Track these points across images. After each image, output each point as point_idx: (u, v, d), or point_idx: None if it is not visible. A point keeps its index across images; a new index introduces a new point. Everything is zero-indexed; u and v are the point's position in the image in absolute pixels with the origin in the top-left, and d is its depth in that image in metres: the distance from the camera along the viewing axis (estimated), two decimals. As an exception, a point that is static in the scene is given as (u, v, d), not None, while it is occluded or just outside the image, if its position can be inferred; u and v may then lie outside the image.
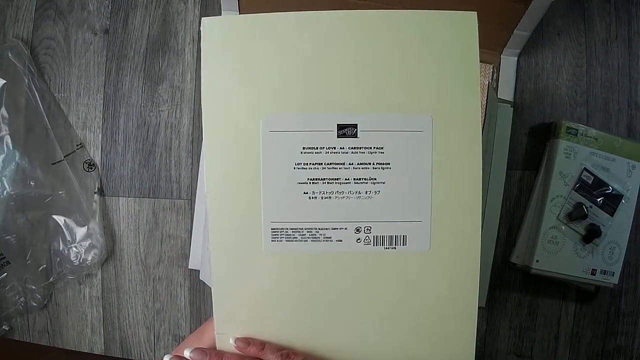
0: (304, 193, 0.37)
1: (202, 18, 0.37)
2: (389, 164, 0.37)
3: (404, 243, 0.38)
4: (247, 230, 0.37)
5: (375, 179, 0.37)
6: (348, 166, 0.37)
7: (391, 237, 0.38)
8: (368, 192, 0.37)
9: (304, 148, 0.37)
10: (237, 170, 0.37)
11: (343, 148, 0.37)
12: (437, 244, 0.38)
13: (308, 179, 0.37)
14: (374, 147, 0.37)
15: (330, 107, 0.37)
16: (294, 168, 0.37)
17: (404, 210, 0.38)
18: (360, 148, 0.37)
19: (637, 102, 0.69)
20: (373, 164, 0.37)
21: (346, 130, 0.37)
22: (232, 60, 0.37)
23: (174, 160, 0.69)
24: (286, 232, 0.37)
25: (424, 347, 0.38)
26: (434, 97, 0.37)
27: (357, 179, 0.37)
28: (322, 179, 0.37)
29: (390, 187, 0.37)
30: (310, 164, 0.37)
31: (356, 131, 0.37)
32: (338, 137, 0.37)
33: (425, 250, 0.38)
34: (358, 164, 0.37)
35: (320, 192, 0.37)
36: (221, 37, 0.37)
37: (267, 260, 0.37)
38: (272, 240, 0.37)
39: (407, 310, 0.38)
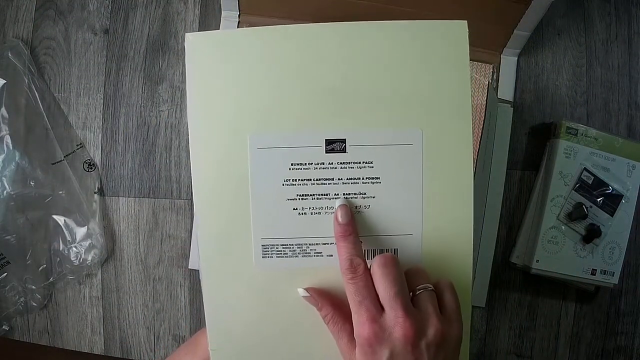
0: (294, 209, 0.37)
1: (186, 34, 0.36)
2: (378, 178, 0.37)
3: (396, 254, 0.38)
4: (237, 247, 0.37)
5: (365, 193, 0.37)
6: (337, 181, 0.37)
7: (382, 250, 0.38)
8: (358, 207, 0.37)
9: (292, 164, 0.37)
10: (225, 188, 0.37)
11: (332, 163, 0.37)
12: (429, 257, 0.38)
13: (297, 195, 0.37)
14: (364, 162, 0.37)
15: (318, 122, 0.36)
16: (283, 184, 0.37)
17: (395, 224, 0.37)
18: (349, 163, 0.37)
19: (637, 102, 0.69)
20: (363, 178, 0.37)
21: (335, 145, 0.37)
22: (217, 76, 0.36)
23: (174, 160, 0.69)
24: (277, 248, 0.37)
25: None
26: (423, 109, 0.36)
27: (346, 194, 0.37)
28: (311, 195, 0.37)
29: (381, 201, 0.37)
30: (299, 180, 0.37)
31: (345, 146, 0.37)
32: (326, 152, 0.37)
33: (417, 263, 0.37)
34: (347, 179, 0.37)
35: (309, 208, 0.37)
36: (206, 53, 0.36)
37: (258, 276, 0.37)
38: (262, 257, 0.37)
39: None
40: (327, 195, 0.37)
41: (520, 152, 0.69)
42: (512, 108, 0.68)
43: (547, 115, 0.69)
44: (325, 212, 0.37)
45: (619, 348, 0.69)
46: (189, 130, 0.36)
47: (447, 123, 0.37)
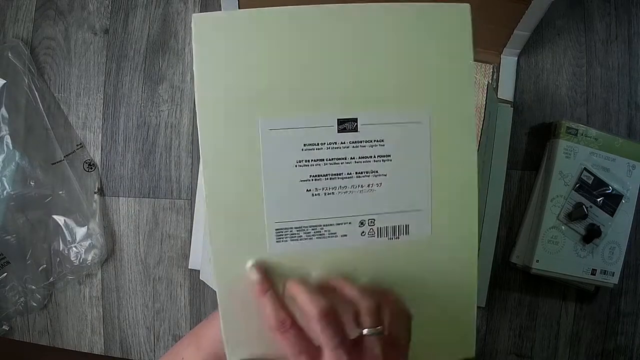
0: (307, 190, 0.37)
1: (193, 15, 0.35)
2: (389, 156, 0.37)
3: (407, 232, 0.38)
4: (250, 233, 0.37)
5: (376, 171, 0.37)
6: (350, 161, 0.37)
7: (394, 227, 0.38)
8: (370, 185, 0.37)
9: (304, 145, 0.36)
10: (237, 172, 0.36)
11: (344, 143, 0.37)
12: (438, 231, 0.38)
13: (310, 176, 0.37)
14: (375, 141, 0.37)
15: (329, 102, 0.36)
16: (296, 166, 0.36)
17: (405, 200, 0.38)
18: (361, 142, 0.37)
19: (637, 102, 0.69)
20: (374, 157, 0.37)
21: (346, 124, 0.37)
22: (226, 58, 0.35)
23: (174, 160, 0.69)
24: (291, 231, 0.37)
25: (426, 333, 0.38)
26: (430, 88, 0.37)
27: (359, 173, 0.37)
28: (324, 175, 0.37)
29: (391, 178, 0.37)
30: (311, 160, 0.36)
31: (356, 125, 0.37)
32: (338, 132, 0.36)
33: (426, 237, 0.38)
34: (359, 157, 0.37)
35: (323, 189, 0.37)
36: (213, 34, 0.35)
37: (273, 261, 0.37)
38: (276, 241, 0.37)
39: (411, 297, 0.38)
40: (339, 175, 0.37)
41: (520, 152, 0.69)
42: (512, 108, 0.68)
43: (547, 115, 0.69)
44: (339, 192, 0.37)
45: (619, 348, 0.68)
46: (198, 114, 0.35)
47: (452, 101, 0.38)
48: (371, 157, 0.37)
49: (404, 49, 0.37)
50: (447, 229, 0.38)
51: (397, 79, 0.37)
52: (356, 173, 0.37)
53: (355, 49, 0.36)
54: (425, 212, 0.38)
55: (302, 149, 0.36)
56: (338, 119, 0.36)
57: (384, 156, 0.37)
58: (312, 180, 0.37)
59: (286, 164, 0.36)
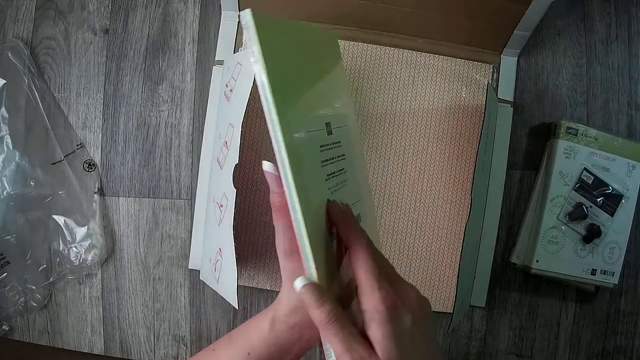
0: (329, 189, 0.38)
1: (245, 11, 0.31)
2: (344, 155, 0.42)
3: (361, 220, 0.43)
4: (323, 239, 0.36)
5: (343, 169, 0.42)
6: (337, 159, 0.41)
7: (358, 215, 0.43)
8: (345, 181, 0.42)
9: (321, 146, 0.38)
10: (306, 181, 0.34)
11: (332, 144, 0.41)
12: (368, 215, 0.46)
13: (327, 174, 0.39)
14: (337, 142, 0.42)
15: (317, 108, 0.40)
16: (321, 166, 0.38)
17: (356, 192, 0.44)
18: (334, 143, 0.41)
19: (637, 102, 0.69)
20: (341, 155, 0.42)
21: (328, 128, 0.41)
22: (281, 58, 0.34)
23: (174, 160, 0.69)
24: (332, 232, 0.38)
25: None
26: (341, 99, 0.45)
27: (339, 170, 0.41)
28: (332, 174, 0.39)
29: (349, 174, 0.43)
30: (326, 160, 0.39)
31: (331, 129, 0.41)
32: (327, 134, 0.40)
33: (367, 222, 0.45)
34: (337, 156, 0.41)
35: (335, 185, 0.39)
36: (270, 32, 0.33)
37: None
38: (331, 242, 0.37)
39: None
40: (334, 173, 0.40)
41: (520, 152, 0.69)
42: (512, 108, 0.68)
43: (547, 115, 0.69)
44: (339, 188, 0.40)
45: (619, 348, 0.69)
46: (278, 127, 0.31)
47: (351, 107, 0.48)
48: (339, 156, 0.42)
49: (322, 69, 0.44)
50: (370, 211, 0.46)
51: (327, 91, 0.43)
52: (339, 170, 0.41)
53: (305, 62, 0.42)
54: (361, 201, 0.45)
55: (320, 150, 0.38)
56: (325, 123, 0.40)
57: (343, 155, 0.42)
58: (330, 178, 0.39)
59: (318, 165, 0.38)
